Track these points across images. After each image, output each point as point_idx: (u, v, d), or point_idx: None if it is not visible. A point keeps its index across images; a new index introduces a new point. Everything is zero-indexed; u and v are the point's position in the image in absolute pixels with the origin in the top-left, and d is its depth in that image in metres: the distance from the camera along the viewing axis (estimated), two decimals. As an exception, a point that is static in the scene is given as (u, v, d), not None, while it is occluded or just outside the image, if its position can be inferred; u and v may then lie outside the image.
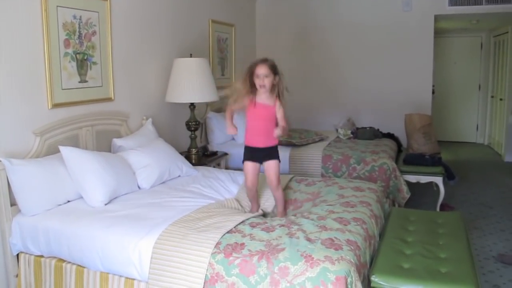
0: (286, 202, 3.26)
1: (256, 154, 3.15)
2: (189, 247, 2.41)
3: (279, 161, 3.19)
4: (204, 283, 2.31)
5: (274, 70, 3.11)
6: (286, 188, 3.49)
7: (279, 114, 3.11)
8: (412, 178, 4.76)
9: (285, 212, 3.20)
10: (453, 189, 5.62)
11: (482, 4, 6.08)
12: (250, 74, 3.09)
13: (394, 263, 2.43)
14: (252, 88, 3.10)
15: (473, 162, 7.49)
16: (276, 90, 3.11)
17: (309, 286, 2.13)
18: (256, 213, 3.02)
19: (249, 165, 3.16)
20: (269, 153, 3.14)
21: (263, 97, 3.10)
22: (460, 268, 2.37)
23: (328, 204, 3.05)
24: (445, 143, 8.74)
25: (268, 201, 3.34)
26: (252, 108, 3.11)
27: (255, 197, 3.24)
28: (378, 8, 6.52)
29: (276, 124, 3.11)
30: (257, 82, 3.06)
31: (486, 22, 7.49)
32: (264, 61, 3.12)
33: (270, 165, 3.13)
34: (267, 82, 3.05)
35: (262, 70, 3.05)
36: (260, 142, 3.14)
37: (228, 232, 2.52)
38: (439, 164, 4.80)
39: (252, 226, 2.63)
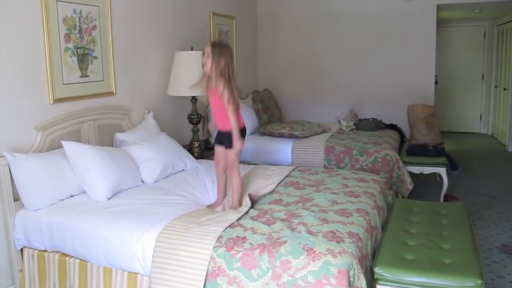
0: (238, 192, 3.12)
1: (219, 136, 3.22)
2: (191, 240, 2.41)
3: (231, 148, 3.10)
4: (206, 276, 2.31)
5: (217, 51, 3.03)
6: (288, 176, 3.52)
7: (224, 98, 3.02)
8: (415, 169, 4.75)
9: (237, 203, 3.06)
10: (457, 180, 5.61)
11: (484, -7, 6.04)
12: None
13: (398, 254, 2.43)
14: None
15: (476, 153, 7.46)
16: (219, 71, 3.02)
17: (311, 279, 2.13)
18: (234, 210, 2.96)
19: (215, 148, 3.28)
20: (225, 139, 3.13)
21: (211, 80, 3.08)
22: (464, 259, 2.36)
23: (332, 192, 3.05)
24: (448, 133, 8.72)
25: (272, 178, 3.42)
26: (209, 92, 3.14)
27: (220, 184, 3.24)
28: (380, -1, 6.48)
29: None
30: (202, 61, 3.08)
31: (489, 11, 7.43)
32: (212, 43, 3.13)
33: (227, 154, 3.15)
34: (208, 62, 3.02)
35: (206, 49, 3.06)
36: (217, 124, 3.19)
37: (229, 226, 2.52)
38: (442, 154, 4.79)
39: (253, 219, 2.63)
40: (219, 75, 3.01)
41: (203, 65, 3.08)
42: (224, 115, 3.07)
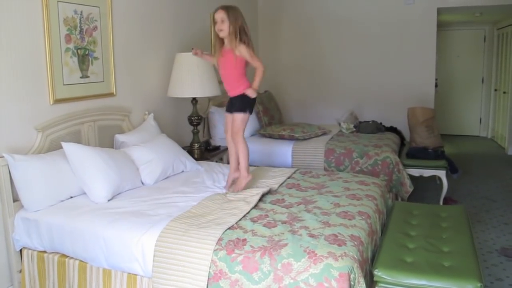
0: (246, 158, 3.31)
1: (229, 104, 3.34)
2: (191, 243, 2.40)
3: (245, 113, 3.26)
4: (208, 280, 2.31)
5: (232, 14, 3.17)
6: (290, 178, 3.54)
7: (248, 56, 3.18)
8: (415, 172, 4.75)
9: (248, 174, 3.27)
10: (456, 183, 5.60)
11: (485, -3, 6.04)
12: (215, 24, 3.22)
13: (397, 257, 2.42)
14: (219, 40, 3.26)
15: (476, 156, 7.46)
16: (237, 33, 3.15)
17: (312, 282, 2.13)
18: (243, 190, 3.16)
19: (225, 116, 3.41)
20: (235, 103, 3.26)
21: (226, 45, 3.21)
22: (463, 262, 2.36)
23: (334, 195, 3.05)
24: (448, 136, 8.72)
25: (275, 179, 3.49)
26: (221, 59, 3.26)
27: (232, 154, 3.41)
28: (381, 2, 6.49)
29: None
30: (216, 28, 3.18)
31: (490, 14, 7.44)
32: (221, 6, 3.21)
33: (233, 118, 3.29)
34: (225, 26, 3.13)
35: (217, 15, 3.17)
36: (228, 91, 3.31)
37: (229, 228, 2.51)
38: (442, 157, 4.79)
39: (254, 221, 2.63)
40: (236, 36, 3.14)
41: (218, 32, 3.17)
42: (237, 79, 3.21)
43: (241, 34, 3.17)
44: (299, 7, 6.90)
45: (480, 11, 6.96)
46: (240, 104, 3.26)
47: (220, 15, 3.16)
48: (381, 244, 2.60)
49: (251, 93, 3.20)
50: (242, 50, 3.17)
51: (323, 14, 6.78)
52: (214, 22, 3.21)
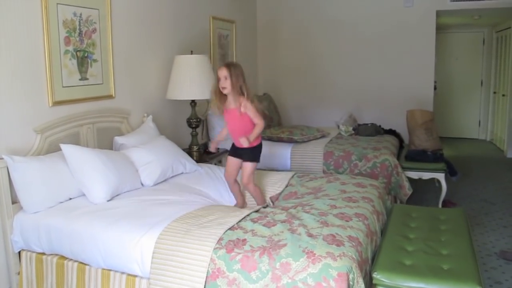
0: (261, 196, 3.41)
1: (238, 151, 3.37)
2: (192, 242, 2.41)
3: (255, 162, 3.37)
4: (206, 278, 2.31)
5: (234, 71, 3.23)
6: (287, 185, 3.53)
7: (250, 113, 3.25)
8: (414, 175, 4.75)
9: (263, 199, 3.39)
10: (455, 186, 5.61)
11: (484, 0, 6.05)
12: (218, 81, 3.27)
13: (396, 259, 2.42)
14: (222, 96, 3.30)
15: (475, 158, 7.47)
16: (238, 90, 3.24)
17: (310, 282, 2.13)
18: (250, 209, 3.09)
19: (229, 159, 3.44)
20: (246, 153, 3.33)
21: (230, 101, 3.29)
22: (462, 264, 2.36)
23: (330, 198, 3.05)
24: (447, 139, 8.73)
25: (274, 186, 3.55)
26: (226, 113, 3.34)
27: (236, 191, 3.41)
28: (380, 4, 6.49)
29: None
30: (219, 85, 3.24)
31: (489, 17, 7.46)
32: (224, 64, 3.28)
33: (243, 166, 3.36)
34: (228, 84, 3.19)
35: (220, 73, 3.22)
36: (237, 143, 3.36)
37: (230, 228, 2.51)
38: (441, 160, 4.79)
39: (254, 221, 2.63)
40: (239, 93, 3.23)
41: (222, 89, 3.23)
42: (245, 132, 3.26)
43: (244, 87, 3.25)
44: (298, 9, 6.91)
45: (479, 14, 6.97)
46: (251, 154, 3.34)
47: (223, 73, 3.21)
48: (380, 247, 2.60)
49: (244, 142, 3.24)
50: (248, 107, 3.24)
51: (322, 16, 6.79)
52: (218, 79, 3.25)
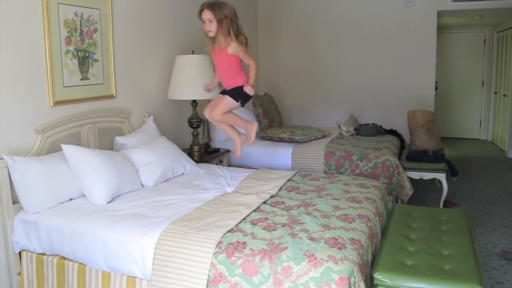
0: (232, 130, 3.47)
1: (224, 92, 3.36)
2: (190, 247, 2.39)
3: (235, 101, 3.29)
4: (207, 283, 2.30)
5: (218, 12, 3.07)
6: (290, 181, 3.54)
7: (240, 54, 3.17)
8: (415, 175, 4.75)
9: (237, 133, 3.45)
10: (457, 186, 5.60)
11: (485, 0, 6.04)
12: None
13: (397, 260, 2.42)
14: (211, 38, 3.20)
15: (476, 159, 7.46)
16: (226, 31, 3.10)
17: (312, 286, 2.12)
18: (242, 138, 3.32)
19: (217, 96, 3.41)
20: (231, 92, 3.30)
21: (218, 41, 3.16)
22: (463, 265, 2.36)
23: (333, 198, 3.04)
24: (448, 139, 8.72)
25: (275, 182, 3.49)
26: (214, 54, 3.24)
27: (225, 129, 3.45)
28: (381, 4, 6.49)
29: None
30: (205, 28, 3.12)
31: (490, 17, 7.45)
32: (207, 4, 3.10)
33: (222, 98, 3.31)
34: (213, 26, 3.07)
35: (204, 16, 3.10)
36: (224, 85, 3.33)
37: (229, 231, 2.50)
38: (442, 160, 4.78)
39: (253, 223, 2.62)
40: (227, 33, 3.08)
41: (207, 32, 3.11)
42: (233, 73, 3.21)
43: (232, 28, 3.10)
44: (299, 9, 6.90)
45: (480, 14, 6.96)
46: (234, 93, 3.27)
47: (207, 16, 3.07)
48: (381, 247, 2.60)
49: (250, 90, 3.19)
50: (234, 48, 3.14)
51: (323, 16, 6.78)
52: (202, 22, 3.14)
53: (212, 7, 3.07)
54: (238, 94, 3.27)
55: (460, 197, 5.37)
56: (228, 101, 3.27)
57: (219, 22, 3.06)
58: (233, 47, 3.13)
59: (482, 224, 4.50)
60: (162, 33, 4.49)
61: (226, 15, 3.07)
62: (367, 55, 6.65)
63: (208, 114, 3.39)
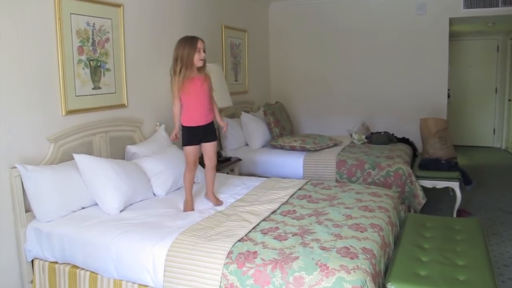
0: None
1: (200, 134, 3.25)
2: (200, 257, 2.39)
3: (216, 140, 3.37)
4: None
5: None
6: (301, 189, 3.52)
7: (210, 84, 3.29)
8: (428, 183, 4.70)
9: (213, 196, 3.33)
10: (470, 195, 5.53)
11: (498, 6, 5.99)
12: (188, 52, 3.14)
13: (411, 270, 2.39)
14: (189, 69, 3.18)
15: (490, 167, 7.37)
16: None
17: (324, 295, 2.10)
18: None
19: (189, 149, 3.24)
20: (212, 130, 3.30)
21: (196, 72, 3.19)
22: (478, 275, 2.32)
23: (346, 207, 3.02)
24: (461, 147, 8.63)
25: (286, 190, 3.47)
26: (189, 84, 3.17)
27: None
28: (392, 12, 6.47)
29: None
30: (201, 57, 3.15)
31: (503, 24, 7.39)
32: (198, 37, 3.22)
33: (212, 146, 3.34)
34: (204, 56, 3.19)
35: (201, 45, 3.17)
36: (203, 119, 3.24)
37: (239, 240, 2.49)
38: (455, 169, 4.73)
39: (264, 233, 2.60)
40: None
41: (199, 61, 3.17)
42: (209, 104, 3.26)
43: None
44: (310, 18, 6.91)
45: (492, 21, 6.91)
46: (214, 131, 3.37)
47: (203, 45, 3.20)
48: (394, 257, 2.57)
49: (225, 125, 3.46)
50: (209, 78, 3.28)
51: (334, 25, 6.78)
52: (197, 50, 3.15)
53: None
54: (215, 131, 3.42)
55: (474, 206, 5.30)
56: (216, 143, 3.43)
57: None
58: (208, 75, 3.30)
59: (497, 234, 4.43)
60: (173, 42, 4.48)
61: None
62: (378, 63, 6.63)
63: (214, 164, 3.39)
